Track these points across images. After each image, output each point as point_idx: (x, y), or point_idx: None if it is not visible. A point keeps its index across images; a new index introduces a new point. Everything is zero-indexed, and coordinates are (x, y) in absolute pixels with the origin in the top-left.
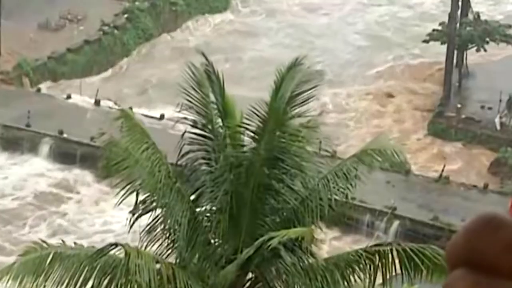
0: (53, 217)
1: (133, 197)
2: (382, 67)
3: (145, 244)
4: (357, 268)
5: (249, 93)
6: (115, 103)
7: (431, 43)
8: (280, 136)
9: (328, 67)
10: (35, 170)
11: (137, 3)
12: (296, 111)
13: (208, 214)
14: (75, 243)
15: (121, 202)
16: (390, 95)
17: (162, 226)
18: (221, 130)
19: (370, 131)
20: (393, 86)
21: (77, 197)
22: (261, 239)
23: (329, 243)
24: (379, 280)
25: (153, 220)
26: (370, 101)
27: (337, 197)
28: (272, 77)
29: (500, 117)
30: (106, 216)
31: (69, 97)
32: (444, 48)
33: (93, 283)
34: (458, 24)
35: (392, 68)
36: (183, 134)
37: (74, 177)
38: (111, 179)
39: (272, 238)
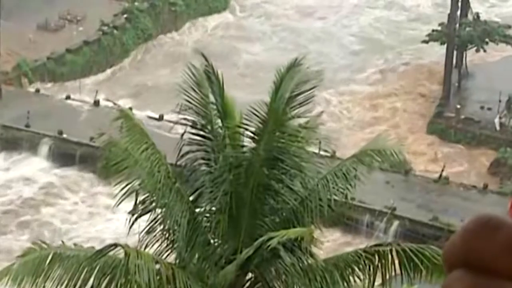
0: (44, 220)
1: (129, 202)
2: (377, 70)
3: (144, 244)
4: (356, 268)
5: (245, 96)
6: (115, 104)
7: (429, 44)
8: (279, 136)
9: (323, 70)
10: (34, 171)
11: (136, 3)
12: (295, 111)
13: (207, 215)
14: (74, 244)
15: (120, 202)
16: (389, 97)
17: (161, 227)
18: (220, 131)
19: (366, 136)
20: (390, 88)
21: (75, 200)
22: (260, 239)
23: (328, 243)
24: (378, 280)
25: (152, 220)
26: (367, 104)
27: (336, 198)
28: (265, 81)
29: (500, 118)
30: (100, 222)
31: (68, 97)
32: (440, 50)
33: (93, 283)
34: (457, 25)
35: (389, 71)
36: (182, 135)
37: (73, 178)
38: (110, 179)
39: (271, 238)
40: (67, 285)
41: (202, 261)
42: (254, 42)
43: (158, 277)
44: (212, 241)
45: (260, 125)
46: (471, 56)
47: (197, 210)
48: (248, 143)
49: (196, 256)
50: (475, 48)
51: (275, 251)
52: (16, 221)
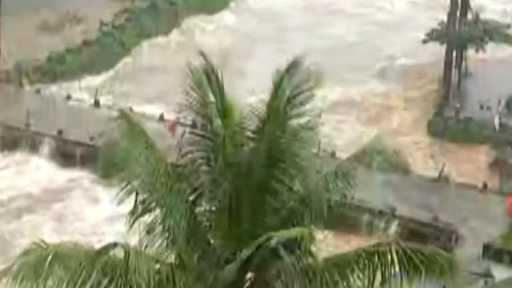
0: (44, 220)
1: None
2: (376, 69)
3: (144, 244)
4: (356, 268)
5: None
6: (115, 103)
7: (429, 44)
8: (279, 136)
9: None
10: (34, 171)
11: (136, 3)
12: (295, 111)
13: (207, 214)
14: (75, 243)
15: (121, 202)
16: (388, 97)
17: (161, 226)
18: (220, 130)
19: (367, 134)
20: (390, 87)
21: (75, 199)
22: (260, 239)
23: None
24: (378, 280)
25: (152, 220)
26: (366, 103)
27: (336, 197)
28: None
29: (499, 117)
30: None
31: (68, 97)
32: (440, 49)
33: (93, 282)
34: (457, 24)
35: (388, 70)
36: (182, 134)
37: (73, 178)
38: (111, 179)
39: (271, 238)
40: (67, 284)
41: (202, 261)
42: (254, 41)
43: (158, 277)
44: (212, 240)
45: (260, 124)
46: (471, 55)
47: (197, 209)
48: (248, 143)
49: (196, 255)
50: (475, 47)
51: (275, 251)
52: (17, 221)
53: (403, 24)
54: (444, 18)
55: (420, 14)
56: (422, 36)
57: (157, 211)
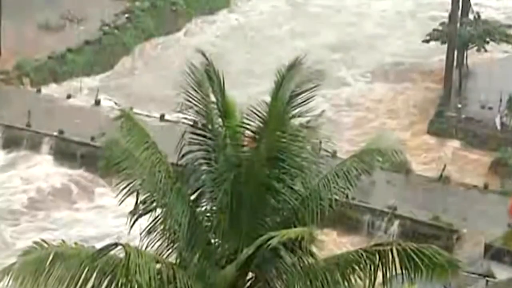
0: (45, 220)
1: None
2: (377, 69)
3: (145, 244)
4: (357, 268)
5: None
6: (115, 103)
7: (430, 43)
8: (280, 136)
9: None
10: (35, 171)
11: (137, 3)
12: (296, 111)
13: (208, 214)
14: (75, 243)
15: (121, 202)
16: (389, 96)
17: (162, 226)
18: (221, 130)
19: (367, 133)
20: (391, 87)
21: (75, 200)
22: (261, 239)
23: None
24: (379, 279)
25: (153, 220)
26: (367, 102)
27: (337, 197)
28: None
29: (501, 117)
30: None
31: (69, 97)
32: (438, 48)
33: (94, 283)
34: (458, 24)
35: (389, 70)
36: (183, 134)
37: (74, 178)
38: (111, 179)
39: (272, 237)
40: (68, 284)
41: (203, 261)
42: (253, 42)
43: (158, 277)
44: (212, 240)
45: (261, 124)
46: (472, 55)
47: (198, 209)
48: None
49: (197, 255)
50: (476, 47)
51: (276, 251)
52: (18, 222)
53: (391, 31)
54: (432, 26)
55: (407, 21)
56: (413, 41)
57: (158, 211)
